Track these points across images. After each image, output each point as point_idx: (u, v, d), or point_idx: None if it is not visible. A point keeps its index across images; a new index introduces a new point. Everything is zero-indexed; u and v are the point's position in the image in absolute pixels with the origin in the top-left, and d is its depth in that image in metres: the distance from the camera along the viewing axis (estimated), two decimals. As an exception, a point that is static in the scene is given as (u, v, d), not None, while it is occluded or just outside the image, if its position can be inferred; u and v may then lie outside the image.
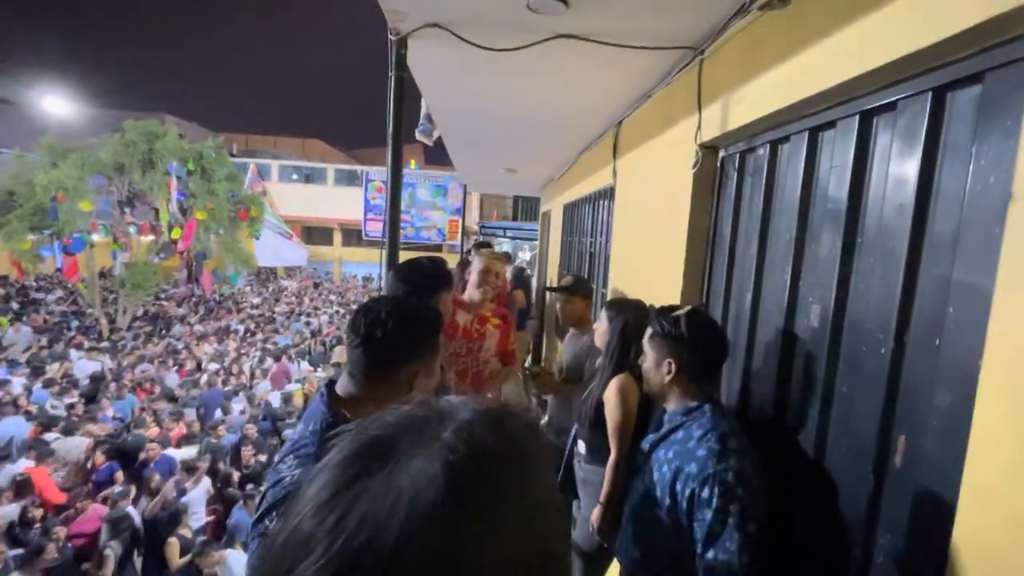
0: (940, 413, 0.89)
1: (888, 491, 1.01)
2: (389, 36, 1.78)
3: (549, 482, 0.41)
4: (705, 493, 1.10)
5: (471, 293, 2.46)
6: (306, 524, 0.33)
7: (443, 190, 20.82)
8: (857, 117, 1.14)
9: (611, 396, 1.95)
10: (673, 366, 1.26)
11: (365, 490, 0.33)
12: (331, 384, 1.06)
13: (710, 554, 1.08)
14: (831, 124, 1.24)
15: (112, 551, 4.11)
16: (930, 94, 0.95)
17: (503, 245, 11.86)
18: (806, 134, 1.32)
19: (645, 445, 1.38)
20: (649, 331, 1.34)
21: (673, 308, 1.33)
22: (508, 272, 5.73)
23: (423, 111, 3.92)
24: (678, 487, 1.16)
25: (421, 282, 1.75)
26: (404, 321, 1.03)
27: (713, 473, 1.10)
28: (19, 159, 10.25)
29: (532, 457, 0.39)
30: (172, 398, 7.46)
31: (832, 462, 1.18)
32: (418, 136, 4.47)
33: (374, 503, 0.32)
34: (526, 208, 15.02)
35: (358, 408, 1.01)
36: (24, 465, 5.01)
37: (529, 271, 6.64)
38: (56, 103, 15.42)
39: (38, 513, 4.45)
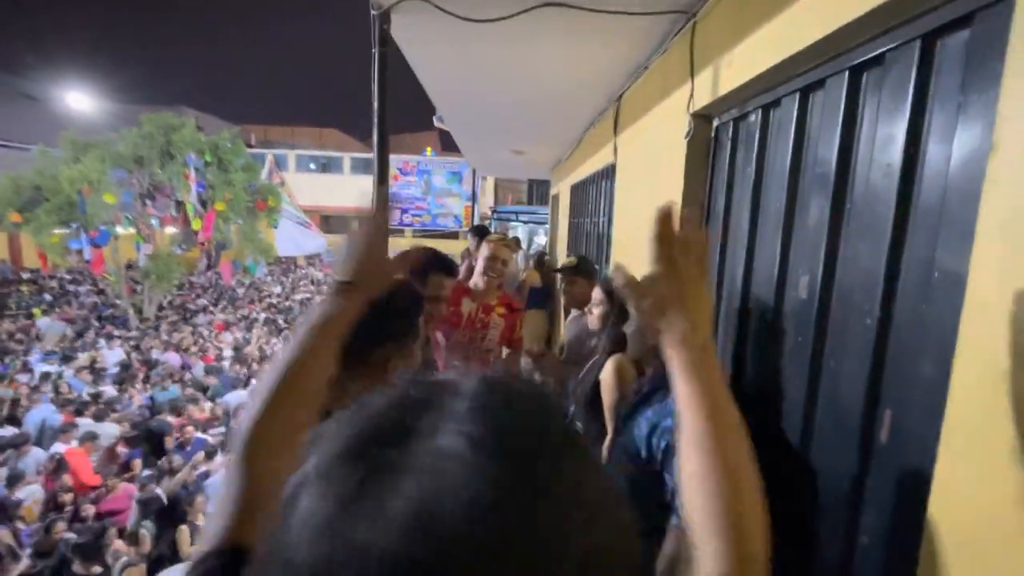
0: (924, 385, 0.84)
1: (874, 467, 0.97)
2: (371, 10, 1.74)
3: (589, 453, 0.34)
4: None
5: (476, 281, 2.43)
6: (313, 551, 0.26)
7: (458, 176, 20.80)
8: (846, 73, 1.07)
9: (607, 376, 1.92)
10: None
11: (384, 492, 0.26)
12: None
13: (678, 500, 1.09)
14: (820, 83, 1.17)
15: (147, 530, 4.29)
16: (919, 43, 0.88)
17: (517, 230, 11.79)
18: (796, 96, 1.25)
19: (625, 410, 1.41)
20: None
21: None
22: (519, 257, 5.69)
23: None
24: (654, 440, 1.21)
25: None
26: (377, 303, 1.01)
27: None
28: (43, 154, 10.55)
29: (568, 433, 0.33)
30: (202, 387, 7.68)
31: (819, 437, 1.13)
32: (436, 123, 4.42)
33: (403, 508, 0.25)
34: (540, 192, 14.88)
35: (331, 396, 1.00)
36: (63, 448, 5.25)
37: (548, 255, 6.58)
38: (78, 99, 15.79)
39: (68, 497, 4.65)
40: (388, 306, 1.02)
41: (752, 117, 1.48)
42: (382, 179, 1.91)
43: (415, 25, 1.86)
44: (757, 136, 1.43)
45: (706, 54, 1.58)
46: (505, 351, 2.60)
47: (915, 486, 0.84)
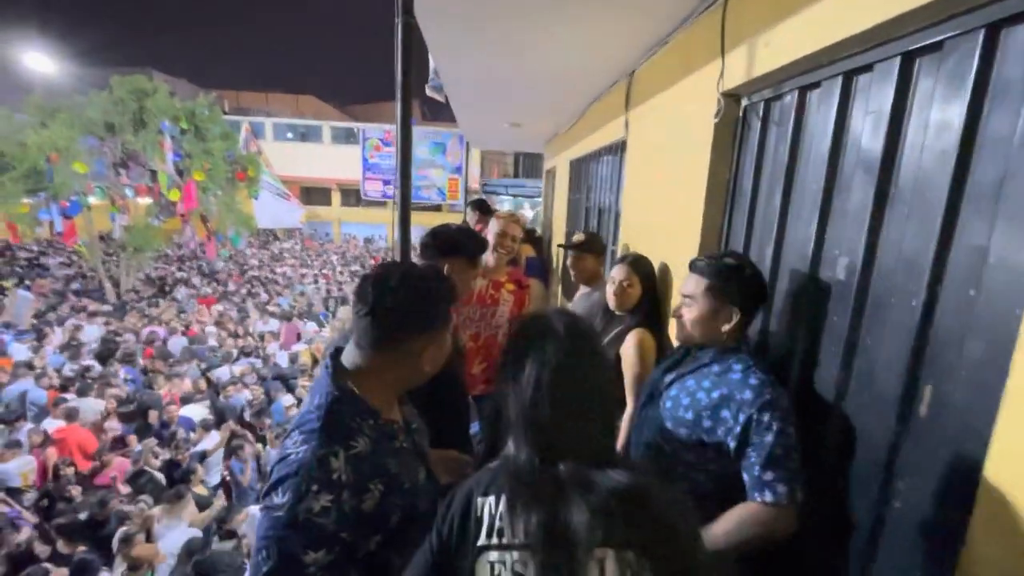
0: (972, 363, 0.89)
1: (911, 439, 1.03)
2: (395, -22, 1.68)
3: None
4: (766, 417, 1.15)
5: (486, 257, 2.43)
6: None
7: (442, 147, 20.31)
8: (898, 59, 1.09)
9: (629, 349, 1.96)
10: (737, 314, 1.27)
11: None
12: (336, 355, 1.01)
13: (768, 474, 1.14)
14: (868, 67, 1.18)
15: (145, 504, 4.29)
16: (982, 32, 0.90)
17: (504, 204, 11.70)
18: (839, 79, 1.26)
19: (666, 376, 1.40)
20: (705, 281, 1.30)
21: (723, 255, 1.32)
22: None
23: (431, 65, 3.76)
24: (725, 413, 1.20)
25: (444, 245, 1.71)
26: (415, 290, 0.97)
27: (772, 399, 1.16)
28: (7, 118, 9.96)
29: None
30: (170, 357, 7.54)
31: (853, 412, 1.19)
32: (429, 92, 4.31)
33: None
34: (528, 165, 14.72)
35: (365, 382, 0.98)
36: (54, 425, 5.17)
37: (538, 230, 6.54)
38: (39, 60, 14.85)
39: (70, 470, 4.63)
40: (429, 295, 1.00)
41: (787, 98, 1.49)
42: (405, 163, 1.87)
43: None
44: (792, 116, 1.45)
45: (739, 32, 1.58)
46: None
47: (957, 459, 0.91)
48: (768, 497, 1.14)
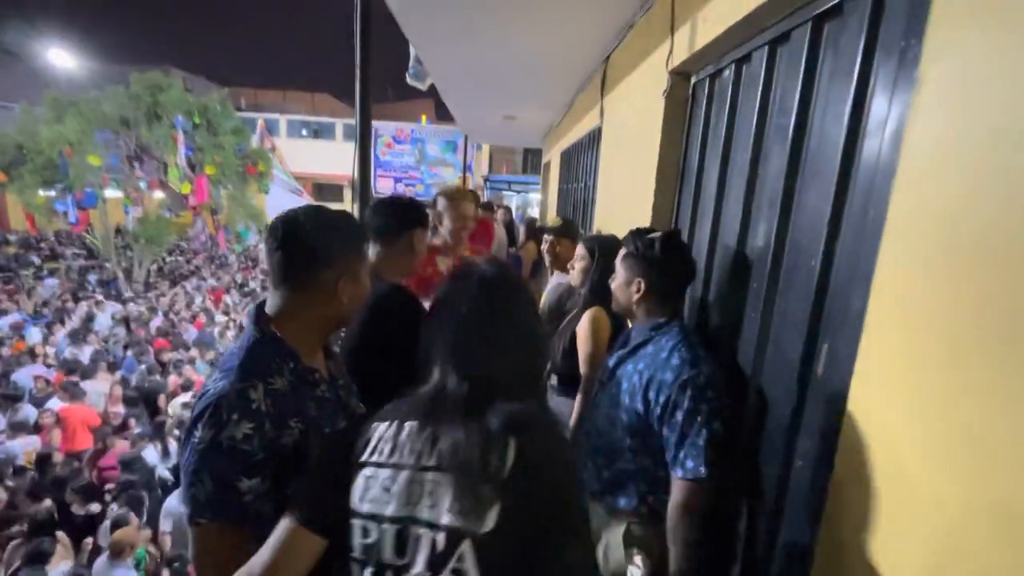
0: (853, 318, 0.90)
1: (810, 399, 1.04)
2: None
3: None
4: (679, 397, 1.18)
5: (445, 237, 2.44)
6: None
7: (453, 146, 20.45)
8: (809, 24, 1.10)
9: (583, 327, 1.99)
10: (642, 285, 1.31)
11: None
12: (261, 304, 1.05)
13: (681, 452, 1.18)
14: (787, 36, 1.20)
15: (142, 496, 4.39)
16: (871, -8, 0.91)
17: (512, 199, 11.75)
18: (765, 49, 1.28)
19: (611, 361, 1.43)
20: (623, 251, 1.37)
21: (650, 231, 1.36)
22: (499, 215, 5.67)
23: (412, 53, 3.81)
24: (651, 394, 1.23)
25: (395, 215, 1.73)
26: (322, 222, 1.00)
27: (688, 378, 1.18)
28: (27, 112, 10.28)
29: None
30: (187, 348, 7.76)
31: (768, 376, 1.21)
32: (409, 80, 4.35)
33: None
34: (535, 162, 14.75)
35: (286, 325, 1.00)
36: (57, 406, 5.35)
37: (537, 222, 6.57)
38: (61, 56, 15.26)
39: (60, 457, 4.78)
40: (336, 225, 1.03)
41: (726, 72, 1.51)
42: (364, 135, 1.92)
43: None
44: (730, 91, 1.46)
45: (686, 10, 1.60)
46: None
47: (839, 413, 0.92)
48: (679, 472, 1.18)
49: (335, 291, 1.01)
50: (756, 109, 1.30)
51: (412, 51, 3.32)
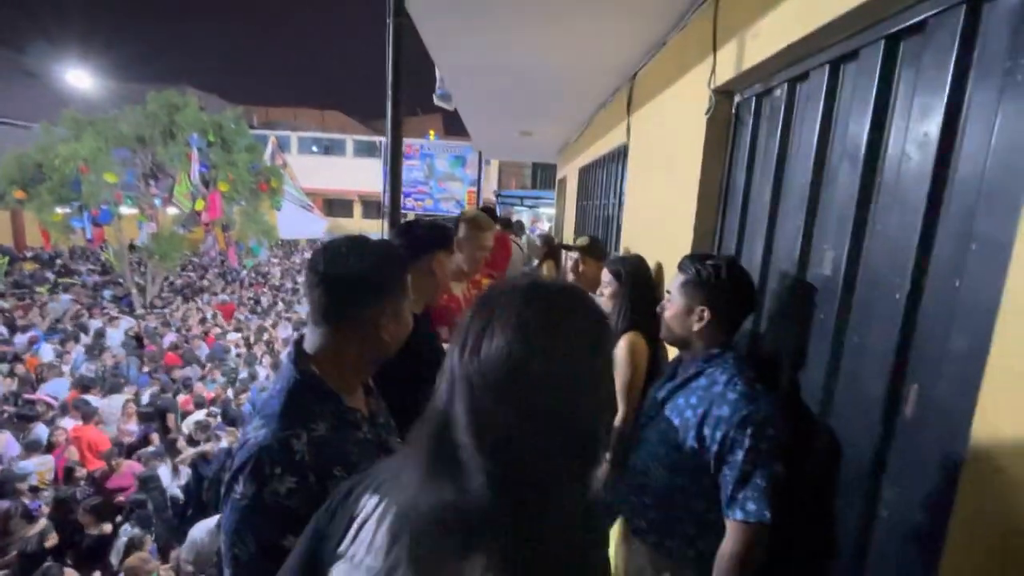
0: (955, 359, 0.83)
1: (897, 442, 0.96)
2: (386, -21, 1.70)
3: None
4: (738, 434, 1.11)
5: (461, 264, 2.39)
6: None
7: (462, 160, 20.63)
8: (882, 43, 1.04)
9: (620, 353, 1.91)
10: (707, 313, 1.23)
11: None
12: (299, 341, 0.99)
13: (741, 493, 1.11)
14: (854, 54, 1.14)
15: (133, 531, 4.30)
16: (964, 7, 0.85)
17: (522, 214, 11.75)
18: (826, 68, 1.22)
19: (660, 394, 1.35)
20: (682, 277, 1.29)
21: (708, 256, 1.29)
22: (527, 239, 5.65)
23: (439, 75, 3.81)
24: (707, 430, 1.16)
25: (415, 238, 1.69)
26: (365, 256, 0.94)
27: (747, 415, 1.11)
28: (47, 132, 10.46)
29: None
30: (201, 365, 7.75)
31: (840, 415, 1.13)
32: (436, 101, 4.36)
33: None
34: (544, 176, 14.79)
35: (326, 364, 0.95)
36: (71, 424, 5.32)
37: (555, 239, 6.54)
38: (80, 76, 15.61)
39: (83, 472, 4.74)
40: (380, 259, 0.97)
41: (777, 92, 1.45)
42: (395, 158, 1.89)
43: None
44: (783, 110, 1.40)
45: (730, 27, 1.55)
46: None
47: (942, 461, 0.84)
48: (738, 515, 1.11)
49: (378, 328, 0.96)
50: (817, 129, 1.24)
51: (438, 73, 3.32)
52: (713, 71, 1.64)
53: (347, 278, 0.93)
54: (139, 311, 10.72)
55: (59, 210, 10.14)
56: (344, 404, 0.96)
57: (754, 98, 1.57)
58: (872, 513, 1.00)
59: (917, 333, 0.93)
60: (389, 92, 1.79)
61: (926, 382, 0.90)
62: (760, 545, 1.10)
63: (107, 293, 12.25)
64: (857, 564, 1.03)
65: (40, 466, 4.75)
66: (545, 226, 10.94)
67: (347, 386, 0.99)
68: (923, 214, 0.91)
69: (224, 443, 5.39)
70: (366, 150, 23.00)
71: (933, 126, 0.91)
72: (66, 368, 6.96)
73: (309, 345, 0.98)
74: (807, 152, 1.28)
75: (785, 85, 1.40)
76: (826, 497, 1.14)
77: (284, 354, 1.00)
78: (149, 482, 4.61)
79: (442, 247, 1.69)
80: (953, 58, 0.87)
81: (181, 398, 6.46)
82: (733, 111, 1.69)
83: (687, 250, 1.80)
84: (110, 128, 10.55)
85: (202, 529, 3.79)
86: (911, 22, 0.97)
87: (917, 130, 0.96)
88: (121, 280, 12.29)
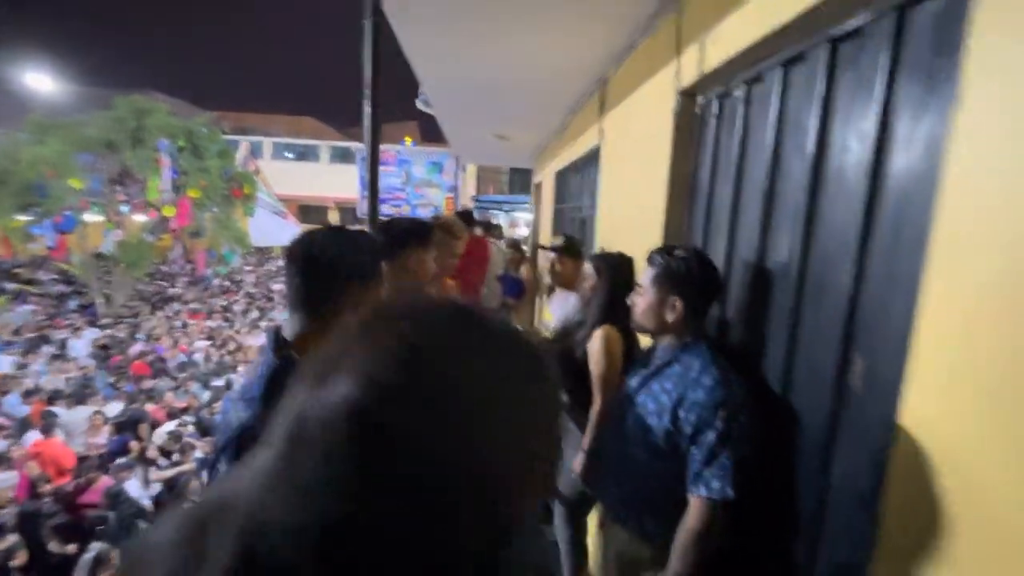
0: (892, 331, 0.91)
1: (845, 416, 1.04)
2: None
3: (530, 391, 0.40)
4: (711, 418, 1.16)
5: (432, 267, 2.43)
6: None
7: (439, 167, 20.59)
8: (826, 46, 1.13)
9: (595, 346, 1.97)
10: (679, 304, 1.29)
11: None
12: (278, 329, 1.02)
13: (707, 471, 1.16)
14: (801, 57, 1.23)
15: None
16: (894, 14, 0.95)
17: (499, 218, 11.81)
18: (779, 70, 1.31)
19: (634, 381, 1.40)
20: (652, 271, 1.34)
21: (675, 247, 1.34)
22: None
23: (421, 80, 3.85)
24: (681, 413, 1.21)
25: (391, 236, 1.71)
26: (340, 242, 0.99)
27: (721, 400, 1.17)
28: (7, 136, 10.10)
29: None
30: (171, 376, 7.55)
31: (798, 391, 1.21)
32: (419, 105, 4.40)
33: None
34: (521, 182, 14.91)
35: (306, 349, 0.98)
36: (33, 438, 5.12)
37: (525, 248, 6.59)
38: (40, 80, 15.08)
39: (47, 487, 4.57)
40: (356, 247, 1.02)
41: (736, 92, 1.54)
42: (374, 160, 1.92)
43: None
44: (741, 110, 1.49)
45: (693, 33, 1.64)
46: None
47: (883, 431, 0.92)
48: (702, 491, 1.16)
49: (354, 309, 0.99)
50: (771, 127, 1.33)
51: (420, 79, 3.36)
52: (678, 74, 1.73)
53: (323, 263, 0.97)
54: (104, 320, 10.37)
55: (20, 217, 9.78)
56: None
57: (716, 99, 1.66)
58: (827, 483, 1.08)
59: (861, 308, 1.01)
60: (367, 93, 1.82)
61: (869, 354, 0.98)
62: (721, 522, 1.16)
63: (71, 303, 11.82)
64: (814, 533, 1.10)
65: (3, 483, 4.56)
66: (524, 230, 11.01)
67: None
68: (864, 201, 1.00)
69: (199, 453, 5.27)
70: (341, 156, 22.79)
71: (869, 122, 1.00)
72: (30, 381, 6.70)
73: (288, 332, 1.01)
74: (763, 148, 1.37)
75: (743, 86, 1.49)
76: (788, 475, 1.21)
77: (264, 341, 1.03)
78: (118, 496, 4.49)
79: (420, 244, 1.72)
80: (884, 60, 0.96)
81: (150, 407, 6.29)
82: (697, 112, 1.78)
83: (658, 244, 1.88)
84: (75, 133, 10.24)
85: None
86: (850, 27, 1.06)
87: (857, 126, 1.05)
88: (87, 290, 11.88)
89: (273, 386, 0.94)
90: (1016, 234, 0.65)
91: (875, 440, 0.92)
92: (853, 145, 1.05)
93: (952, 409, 0.73)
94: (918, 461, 0.78)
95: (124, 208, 11.19)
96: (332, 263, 0.97)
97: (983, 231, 0.69)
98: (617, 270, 2.09)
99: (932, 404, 0.77)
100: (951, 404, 0.74)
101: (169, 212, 10.78)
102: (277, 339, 1.00)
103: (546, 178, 5.63)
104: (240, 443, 0.86)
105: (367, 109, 1.84)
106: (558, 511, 2.25)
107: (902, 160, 0.93)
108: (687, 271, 1.28)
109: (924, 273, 0.79)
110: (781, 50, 1.29)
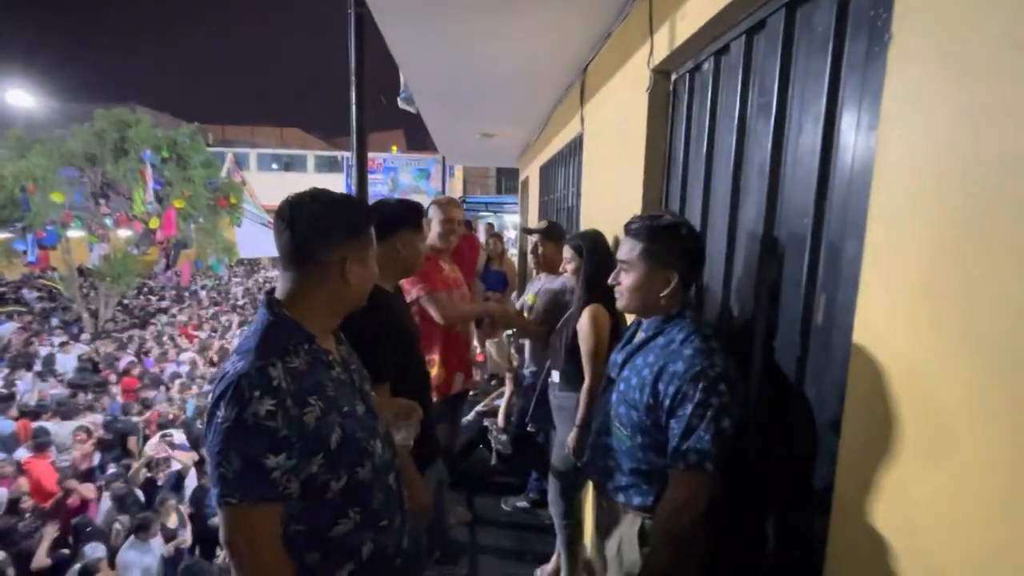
0: (846, 268, 0.98)
1: (812, 349, 1.11)
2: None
3: None
4: (689, 389, 1.11)
5: (436, 243, 2.46)
6: None
7: (426, 173, 20.69)
8: (783, 11, 1.21)
9: (584, 324, 2.03)
10: (675, 278, 1.20)
11: None
12: (271, 291, 1.06)
13: (684, 444, 1.11)
14: (762, 24, 1.31)
15: (120, 524, 4.20)
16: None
17: (487, 219, 11.89)
18: (743, 39, 1.39)
19: (619, 356, 1.35)
20: (640, 245, 1.22)
21: (657, 217, 1.23)
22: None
23: (403, 79, 3.91)
24: (661, 386, 1.15)
25: (380, 216, 1.73)
26: (328, 202, 1.02)
27: (700, 370, 1.11)
28: (-11, 152, 9.99)
29: None
30: (161, 384, 7.48)
31: (780, 344, 1.26)
32: (401, 104, 4.44)
33: None
34: (508, 184, 15.02)
35: (297, 307, 1.02)
36: (25, 455, 5.04)
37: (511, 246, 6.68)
38: (21, 97, 14.91)
39: (29, 503, 4.50)
40: (343, 206, 1.05)
41: (705, 66, 1.62)
42: (361, 159, 1.96)
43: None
44: (710, 82, 1.57)
45: (663, 11, 1.72)
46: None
47: (841, 353, 0.98)
48: (680, 465, 1.12)
49: (343, 273, 1.03)
50: (738, 93, 1.41)
51: (402, 77, 3.40)
52: (651, 53, 1.80)
53: (310, 220, 1.01)
54: (90, 335, 10.24)
55: (1, 234, 9.66)
56: (317, 343, 1.04)
57: (687, 74, 1.74)
58: (803, 413, 1.14)
59: (822, 250, 1.08)
60: (353, 88, 1.87)
61: (829, 291, 1.05)
62: (701, 496, 1.12)
63: (55, 319, 11.66)
64: (790, 461, 1.16)
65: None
66: (512, 232, 11.10)
67: (318, 329, 1.06)
68: (819, 155, 1.07)
69: (176, 465, 5.22)
70: (328, 165, 22.76)
71: (823, 79, 1.07)
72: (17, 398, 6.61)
73: (280, 292, 1.05)
74: (731, 116, 1.44)
75: (712, 59, 1.57)
76: (767, 417, 1.27)
77: (259, 304, 1.07)
78: (126, 499, 4.47)
79: (408, 225, 1.73)
80: (834, 18, 1.04)
81: (141, 419, 6.23)
82: (671, 88, 1.85)
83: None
84: (57, 147, 10.15)
85: (132, 550, 3.78)
86: (803, -9, 1.13)
87: (813, 85, 1.12)
88: (72, 305, 11.74)
89: (267, 338, 0.98)
90: (940, 176, 0.72)
91: (839, 365, 0.98)
92: (812, 102, 1.13)
93: (895, 321, 0.80)
94: (870, 369, 0.85)
95: (108, 221, 11.08)
96: (318, 220, 1.01)
97: (914, 181, 0.77)
98: (595, 247, 2.15)
99: (881, 321, 0.84)
100: (894, 318, 0.81)
101: (155, 224, 10.70)
102: (270, 299, 1.05)
103: (532, 173, 5.71)
104: (237, 390, 0.90)
105: (353, 107, 1.89)
106: (552, 486, 2.30)
107: (851, 117, 1.00)
108: (678, 240, 1.20)
109: (868, 218, 0.86)
110: (743, 19, 1.36)
